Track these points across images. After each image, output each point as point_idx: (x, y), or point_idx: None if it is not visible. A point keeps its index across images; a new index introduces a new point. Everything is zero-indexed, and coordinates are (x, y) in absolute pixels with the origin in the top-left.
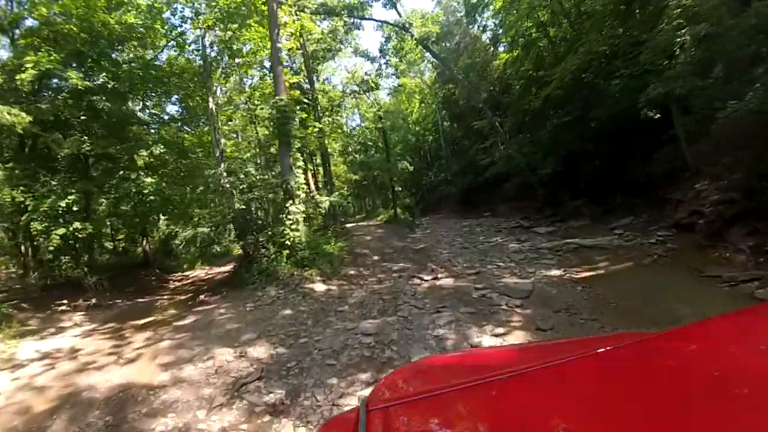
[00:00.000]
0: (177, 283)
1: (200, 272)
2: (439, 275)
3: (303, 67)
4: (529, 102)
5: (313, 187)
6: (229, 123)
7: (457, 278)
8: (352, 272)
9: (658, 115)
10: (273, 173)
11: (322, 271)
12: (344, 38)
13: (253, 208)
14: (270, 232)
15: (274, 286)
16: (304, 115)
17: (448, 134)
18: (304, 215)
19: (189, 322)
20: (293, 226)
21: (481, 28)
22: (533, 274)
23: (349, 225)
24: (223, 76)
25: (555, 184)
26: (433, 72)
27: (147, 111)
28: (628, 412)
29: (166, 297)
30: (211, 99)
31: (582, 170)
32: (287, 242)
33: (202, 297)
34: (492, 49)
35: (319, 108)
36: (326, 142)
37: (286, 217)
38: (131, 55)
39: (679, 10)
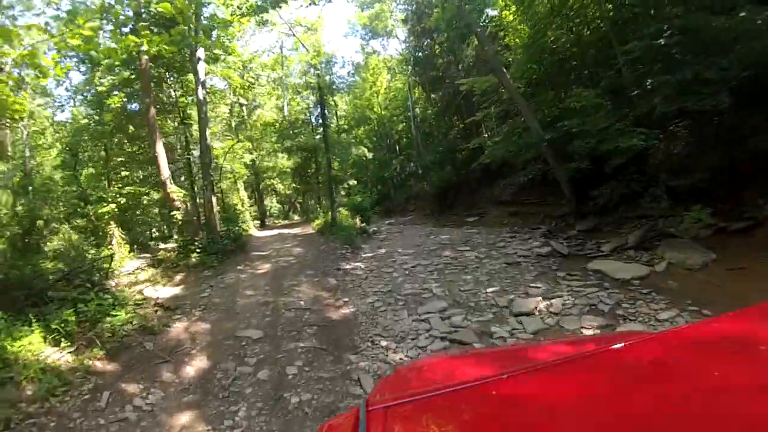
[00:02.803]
0: None
1: None
2: None
3: None
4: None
5: (167, 178)
6: None
7: None
8: None
9: None
10: None
11: None
12: None
13: None
14: None
15: None
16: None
17: (421, 120)
18: None
19: None
20: None
21: None
22: None
23: (267, 233)
24: None
25: (626, 174)
26: (404, 40)
27: None
28: (629, 413)
29: None
30: None
31: (683, 148)
32: None
33: None
34: None
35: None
36: (202, 94)
37: None
38: None
39: None
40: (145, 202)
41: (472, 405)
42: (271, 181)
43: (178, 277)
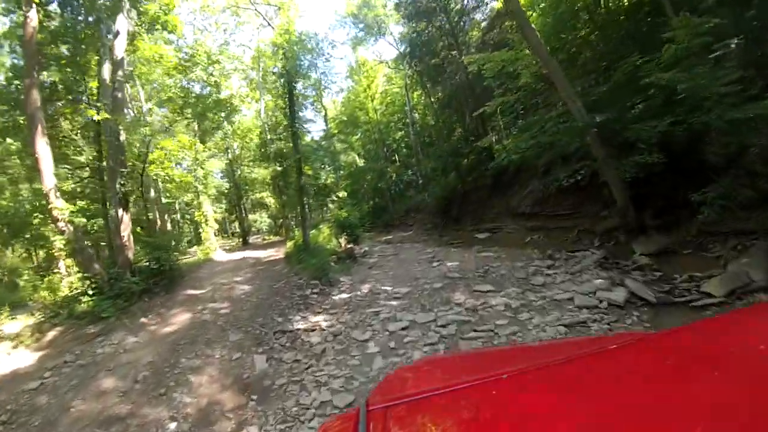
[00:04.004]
0: None
1: None
2: None
3: None
4: None
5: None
6: None
7: None
8: None
9: None
10: None
11: None
12: None
13: None
14: None
15: None
16: None
17: (421, 126)
18: None
19: None
20: None
21: None
22: None
23: (230, 257)
24: None
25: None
26: (398, 36)
27: None
28: (628, 412)
29: None
30: None
31: None
32: None
33: None
34: None
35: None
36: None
37: None
38: None
39: None
40: (36, 221)
41: (472, 405)
42: (260, 194)
43: (51, 335)
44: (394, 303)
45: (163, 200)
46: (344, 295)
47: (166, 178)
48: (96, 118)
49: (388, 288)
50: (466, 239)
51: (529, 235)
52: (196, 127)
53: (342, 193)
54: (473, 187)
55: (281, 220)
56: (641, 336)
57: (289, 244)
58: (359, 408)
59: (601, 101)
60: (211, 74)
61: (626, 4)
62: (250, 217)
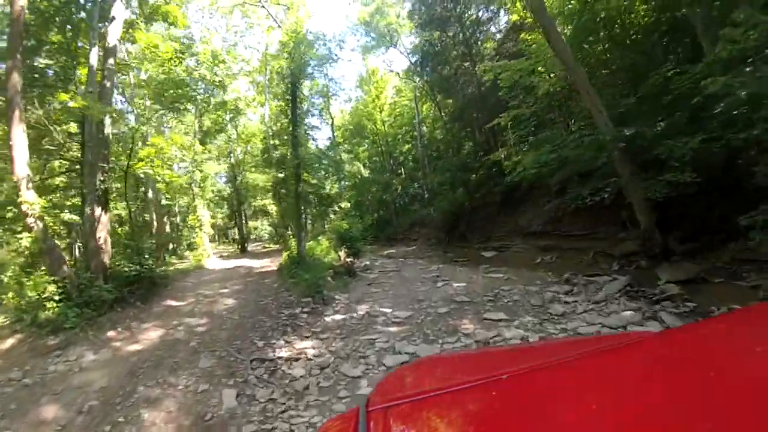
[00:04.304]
0: None
1: None
2: None
3: None
4: None
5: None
6: None
7: None
8: None
9: None
10: None
11: None
12: None
13: None
14: None
15: None
16: None
17: (429, 139)
18: None
19: None
20: None
21: None
22: None
23: (223, 265)
24: None
25: None
26: (409, 46)
27: None
28: (628, 412)
29: None
30: None
31: None
32: None
33: None
34: None
35: None
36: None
37: None
38: None
39: None
40: (9, 216)
41: (472, 405)
42: (262, 201)
43: (9, 343)
44: (393, 329)
45: (163, 202)
46: (338, 317)
47: (156, 177)
48: (72, 104)
49: (388, 310)
50: (472, 257)
51: (540, 256)
52: (197, 128)
53: (345, 204)
54: (482, 203)
55: (282, 228)
56: (641, 336)
57: (284, 255)
58: (359, 408)
59: (629, 114)
60: (216, 74)
61: (643, 23)
62: (251, 223)
